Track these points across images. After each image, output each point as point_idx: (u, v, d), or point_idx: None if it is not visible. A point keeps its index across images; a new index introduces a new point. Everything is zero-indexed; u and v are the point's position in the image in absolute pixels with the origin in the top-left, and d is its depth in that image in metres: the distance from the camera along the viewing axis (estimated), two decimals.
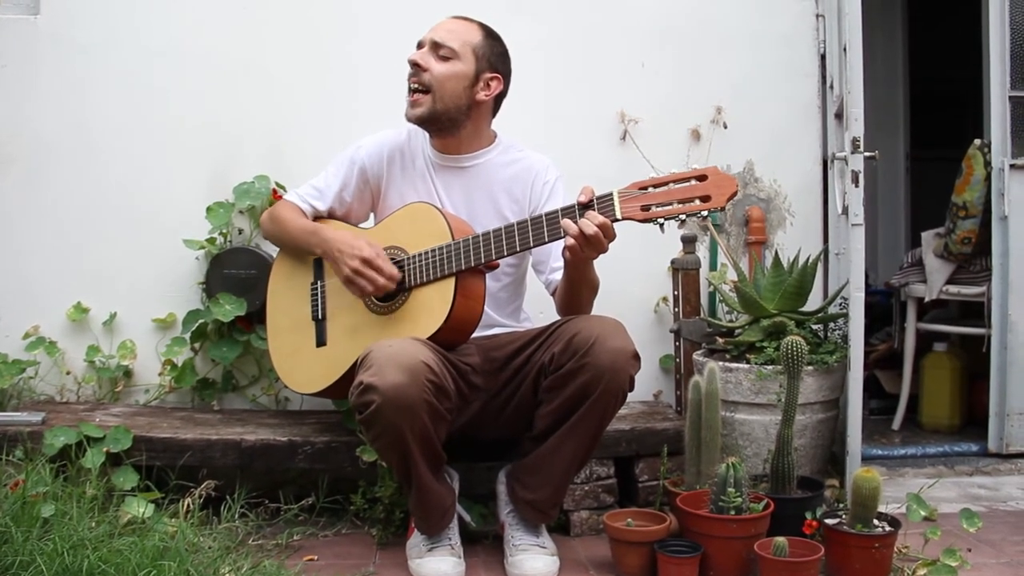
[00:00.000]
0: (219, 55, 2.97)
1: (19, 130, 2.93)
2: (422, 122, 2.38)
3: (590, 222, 2.08)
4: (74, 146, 2.94)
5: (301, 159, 2.90)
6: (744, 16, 3.14)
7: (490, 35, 2.40)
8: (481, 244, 2.21)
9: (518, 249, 2.20)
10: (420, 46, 2.37)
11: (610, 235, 2.09)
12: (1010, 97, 3.01)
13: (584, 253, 2.12)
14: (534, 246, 2.20)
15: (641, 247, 2.84)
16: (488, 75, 2.36)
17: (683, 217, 2.06)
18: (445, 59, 2.33)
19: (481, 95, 2.37)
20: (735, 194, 2.05)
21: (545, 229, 2.16)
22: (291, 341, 2.52)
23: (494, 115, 2.46)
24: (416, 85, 2.35)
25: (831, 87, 3.09)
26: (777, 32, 3.15)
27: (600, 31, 3.10)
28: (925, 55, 4.99)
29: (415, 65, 2.34)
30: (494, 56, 2.38)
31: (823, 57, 3.14)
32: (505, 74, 2.41)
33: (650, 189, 2.08)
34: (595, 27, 3.10)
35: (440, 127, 2.38)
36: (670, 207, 2.05)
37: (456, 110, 2.36)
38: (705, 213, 2.05)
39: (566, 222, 2.11)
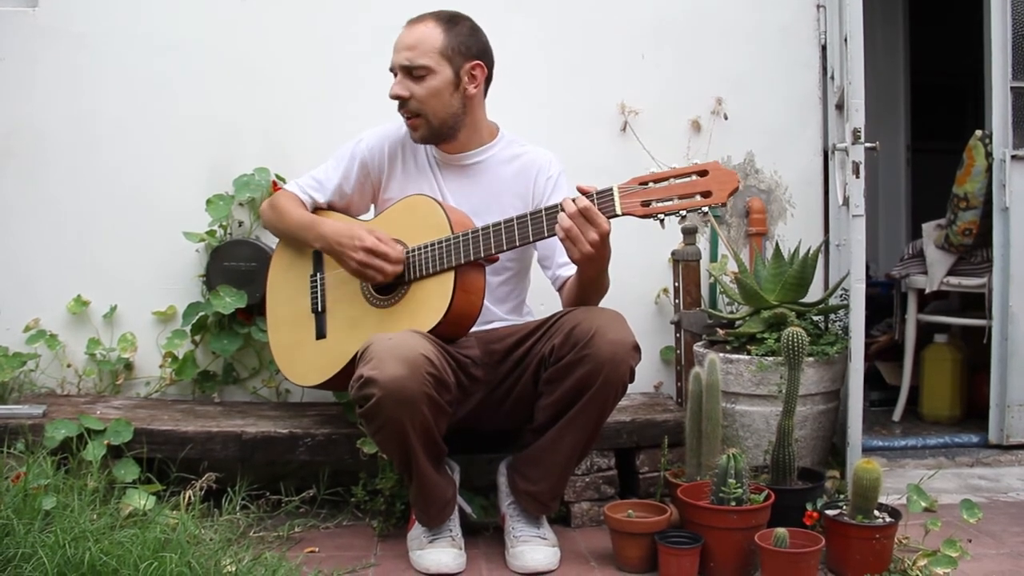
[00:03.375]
0: (219, 47, 2.97)
1: (18, 124, 2.92)
2: (427, 141, 2.38)
3: (566, 210, 2.07)
4: (73, 139, 2.94)
5: (301, 151, 2.90)
6: (744, 7, 3.14)
7: (450, 24, 2.33)
8: (480, 238, 2.21)
9: (517, 244, 2.19)
10: (394, 72, 2.34)
11: (598, 225, 2.07)
12: (1011, 88, 3.01)
13: (576, 248, 2.09)
14: (533, 240, 2.19)
15: (641, 238, 2.85)
16: (468, 66, 2.33)
17: (684, 213, 2.05)
18: (421, 78, 2.30)
19: (470, 90, 2.35)
20: (736, 189, 2.03)
21: (544, 224, 2.15)
22: (291, 334, 2.52)
23: (485, 96, 2.44)
24: (407, 115, 2.34)
25: (832, 78, 3.08)
26: (777, 23, 3.14)
27: (600, 23, 3.09)
28: (926, 46, 4.98)
29: (397, 97, 2.33)
30: (464, 44, 2.32)
31: (824, 48, 3.13)
32: (482, 54, 2.36)
33: (650, 184, 2.06)
34: (595, 19, 3.09)
35: (444, 137, 2.38)
36: (670, 203, 2.04)
37: (453, 117, 2.35)
38: (706, 209, 2.04)
39: (560, 216, 2.10)
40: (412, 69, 2.30)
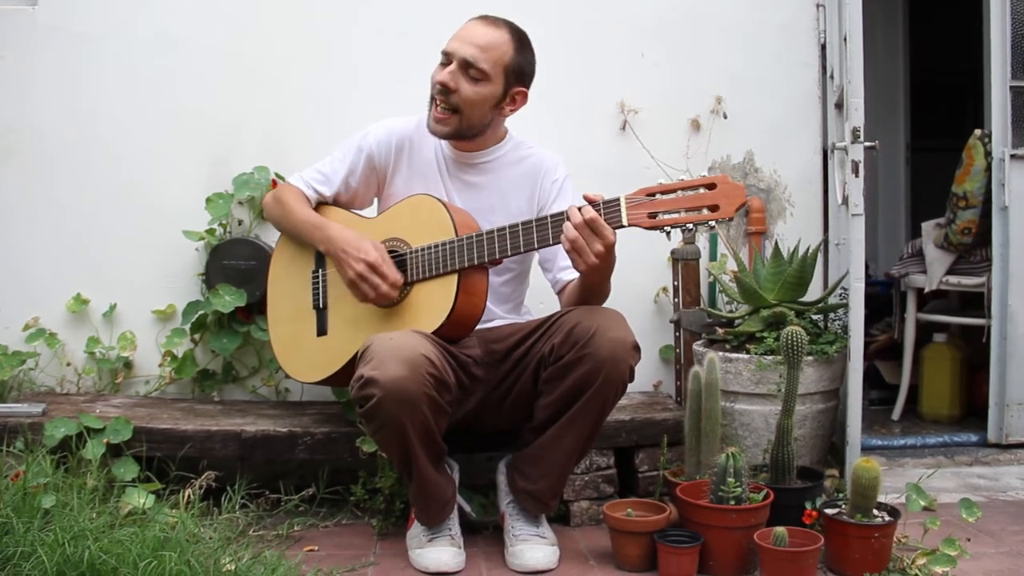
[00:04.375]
0: (218, 45, 2.97)
1: (18, 122, 2.92)
2: (446, 137, 2.36)
3: (571, 220, 2.06)
4: (73, 138, 2.94)
5: (301, 150, 2.89)
6: (744, 6, 3.13)
7: (521, 44, 2.32)
8: (484, 242, 2.20)
9: (522, 250, 2.19)
10: (447, 58, 2.29)
11: (603, 236, 2.06)
12: (1011, 87, 3.01)
13: (582, 260, 2.08)
14: (538, 248, 2.19)
15: (641, 238, 2.82)
16: (515, 90, 2.33)
17: (691, 226, 2.04)
18: (476, 80, 2.27)
19: (507, 110, 2.35)
20: (743, 204, 2.03)
21: (550, 231, 2.15)
22: (292, 330, 2.52)
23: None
24: (444, 106, 2.29)
25: (831, 77, 3.08)
26: (777, 22, 3.14)
27: (599, 22, 3.09)
28: (926, 46, 4.97)
29: (443, 86, 2.27)
30: (523, 69, 2.33)
31: (823, 47, 3.13)
32: (529, 82, 2.37)
33: (658, 196, 2.05)
34: (594, 18, 3.09)
35: (462, 138, 2.37)
36: (677, 215, 2.03)
37: (480, 126, 2.34)
38: (712, 223, 2.03)
39: (566, 226, 2.09)
40: (473, 67, 2.26)
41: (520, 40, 2.33)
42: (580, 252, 2.07)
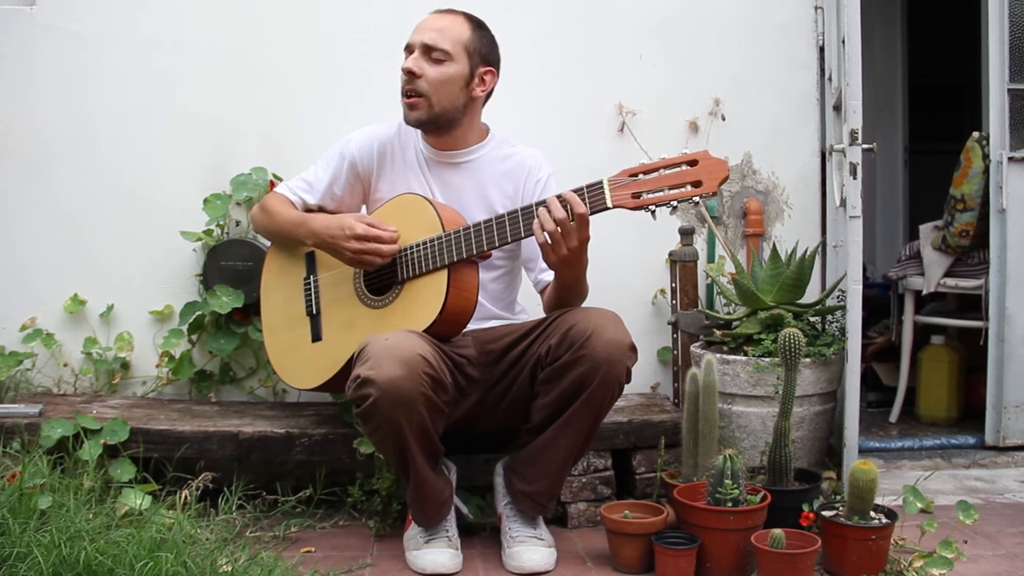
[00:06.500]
0: (217, 46, 2.97)
1: (16, 122, 2.92)
2: (421, 125, 2.37)
3: (548, 214, 2.09)
4: (71, 138, 2.93)
5: (299, 151, 2.89)
6: (742, 7, 3.14)
7: (478, 26, 2.37)
8: (472, 236, 2.21)
9: (509, 240, 2.19)
10: (409, 49, 2.34)
11: (580, 219, 2.08)
12: (1009, 90, 3.01)
13: (555, 253, 2.11)
14: (525, 236, 2.19)
15: (638, 239, 2.84)
16: (482, 70, 2.35)
17: (675, 204, 2.05)
18: (439, 62, 2.30)
19: (477, 91, 2.36)
20: (726, 178, 2.03)
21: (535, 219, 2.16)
22: (287, 338, 2.51)
23: (484, 105, 2.45)
24: (411, 93, 2.32)
25: (829, 79, 3.08)
26: (775, 24, 3.14)
27: (597, 22, 3.10)
28: (924, 48, 4.98)
29: (409, 73, 2.31)
30: (485, 48, 2.36)
31: (822, 49, 3.14)
32: (496, 64, 2.40)
33: (640, 176, 2.06)
34: (591, 18, 3.10)
35: (438, 127, 2.37)
36: (661, 194, 2.04)
37: (453, 110, 2.34)
38: (697, 199, 2.04)
39: (541, 211, 2.11)
40: (433, 49, 2.30)
41: (476, 23, 2.37)
42: (555, 245, 2.10)
